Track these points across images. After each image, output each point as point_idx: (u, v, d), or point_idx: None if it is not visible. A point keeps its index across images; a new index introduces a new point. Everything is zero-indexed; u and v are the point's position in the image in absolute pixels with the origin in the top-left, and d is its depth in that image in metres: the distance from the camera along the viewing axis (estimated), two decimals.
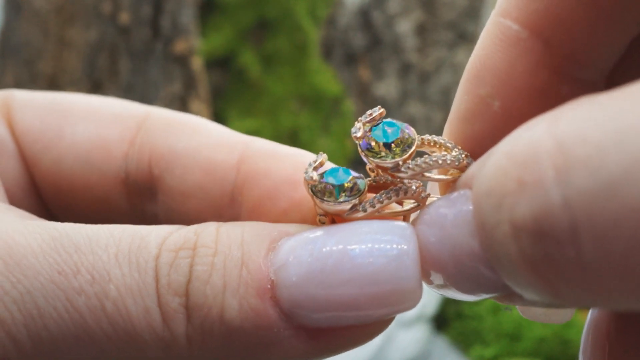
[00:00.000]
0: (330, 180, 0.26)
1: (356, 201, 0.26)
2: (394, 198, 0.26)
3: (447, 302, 1.58)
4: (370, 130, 0.26)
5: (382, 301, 0.24)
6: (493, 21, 0.25)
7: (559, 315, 0.28)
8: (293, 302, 0.24)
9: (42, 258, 0.24)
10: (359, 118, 0.26)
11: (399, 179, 0.26)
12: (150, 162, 0.32)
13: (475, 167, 0.23)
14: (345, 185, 0.26)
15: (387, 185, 0.27)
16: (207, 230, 0.26)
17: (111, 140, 0.33)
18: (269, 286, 0.25)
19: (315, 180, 0.26)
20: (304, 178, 0.26)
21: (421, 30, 2.06)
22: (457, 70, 2.07)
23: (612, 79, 0.26)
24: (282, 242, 0.26)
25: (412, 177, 0.26)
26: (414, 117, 2.05)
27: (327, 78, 1.90)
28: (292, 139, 1.78)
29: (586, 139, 0.17)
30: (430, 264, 0.24)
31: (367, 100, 2.02)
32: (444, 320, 1.60)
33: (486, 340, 1.51)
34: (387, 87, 2.04)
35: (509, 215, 0.19)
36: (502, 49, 0.25)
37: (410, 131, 0.26)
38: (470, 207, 0.22)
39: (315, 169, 0.26)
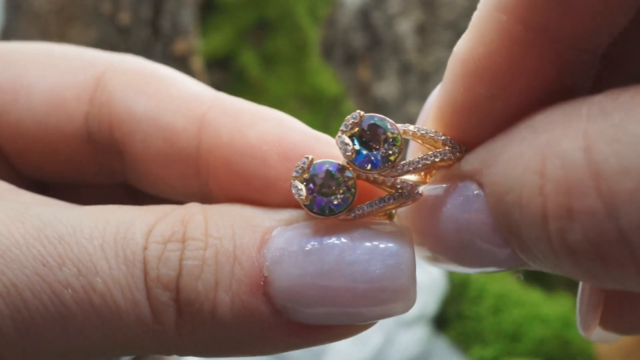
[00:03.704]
0: (319, 197, 0.25)
1: (346, 210, 0.25)
2: (385, 206, 0.26)
3: (447, 302, 1.58)
4: (357, 153, 0.25)
5: (376, 303, 0.24)
6: (492, 17, 0.23)
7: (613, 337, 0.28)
8: (286, 299, 0.24)
9: (25, 249, 0.23)
10: (341, 128, 0.25)
11: (389, 177, 0.26)
12: (111, 125, 0.31)
13: (477, 160, 0.23)
14: (335, 202, 0.25)
15: (373, 183, 0.26)
16: (196, 220, 0.25)
17: (68, 101, 0.31)
18: (261, 282, 0.24)
19: (304, 199, 0.25)
20: (291, 191, 0.25)
21: (421, 30, 2.06)
22: None
23: (609, 53, 0.25)
24: (275, 234, 0.25)
25: (404, 174, 0.26)
26: (414, 117, 2.04)
27: (327, 78, 1.90)
28: None
29: (628, 170, 0.17)
30: (437, 249, 0.24)
31: (367, 100, 2.02)
32: (444, 320, 1.59)
33: (486, 340, 1.51)
34: (387, 87, 2.04)
35: (560, 238, 0.19)
36: (506, 49, 0.23)
37: (394, 128, 0.25)
38: (481, 194, 0.23)
39: (303, 176, 0.25)
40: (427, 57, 2.06)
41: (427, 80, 2.05)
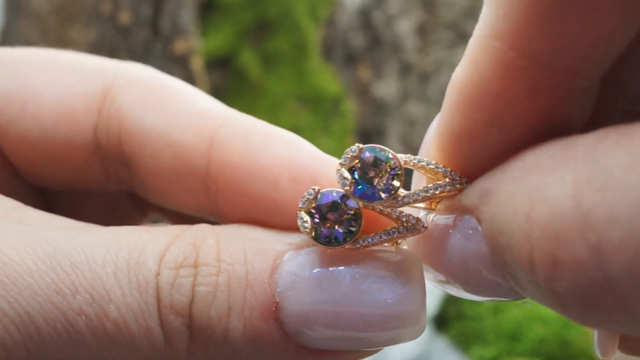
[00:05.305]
0: (325, 229, 0.25)
1: (351, 241, 0.25)
2: (390, 239, 0.26)
3: (447, 302, 1.58)
4: (357, 186, 0.25)
5: (386, 329, 0.25)
6: (485, 44, 0.23)
7: None
8: (297, 325, 0.24)
9: (38, 277, 0.23)
10: (340, 161, 0.25)
11: (391, 209, 0.26)
12: (119, 137, 0.30)
13: (476, 195, 0.23)
14: (341, 231, 0.25)
15: (379, 213, 0.26)
16: (207, 244, 0.25)
17: (77, 112, 0.31)
18: (273, 308, 0.25)
19: (309, 231, 0.25)
20: (297, 223, 0.25)
21: (421, 30, 2.06)
22: None
23: (609, 78, 0.24)
24: (286, 258, 0.25)
25: (404, 206, 0.26)
26: (414, 117, 2.05)
27: (327, 78, 1.90)
28: None
29: (616, 219, 0.17)
30: (444, 273, 0.24)
31: (367, 100, 2.02)
32: (444, 320, 1.59)
33: (486, 340, 1.51)
34: (387, 87, 2.04)
35: (547, 286, 0.19)
36: (500, 76, 0.22)
37: (395, 159, 0.25)
38: (479, 230, 0.23)
39: (308, 209, 0.25)
40: (427, 57, 2.06)
41: (427, 80, 2.05)
